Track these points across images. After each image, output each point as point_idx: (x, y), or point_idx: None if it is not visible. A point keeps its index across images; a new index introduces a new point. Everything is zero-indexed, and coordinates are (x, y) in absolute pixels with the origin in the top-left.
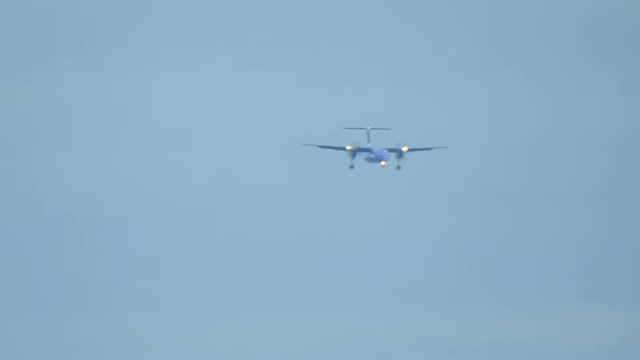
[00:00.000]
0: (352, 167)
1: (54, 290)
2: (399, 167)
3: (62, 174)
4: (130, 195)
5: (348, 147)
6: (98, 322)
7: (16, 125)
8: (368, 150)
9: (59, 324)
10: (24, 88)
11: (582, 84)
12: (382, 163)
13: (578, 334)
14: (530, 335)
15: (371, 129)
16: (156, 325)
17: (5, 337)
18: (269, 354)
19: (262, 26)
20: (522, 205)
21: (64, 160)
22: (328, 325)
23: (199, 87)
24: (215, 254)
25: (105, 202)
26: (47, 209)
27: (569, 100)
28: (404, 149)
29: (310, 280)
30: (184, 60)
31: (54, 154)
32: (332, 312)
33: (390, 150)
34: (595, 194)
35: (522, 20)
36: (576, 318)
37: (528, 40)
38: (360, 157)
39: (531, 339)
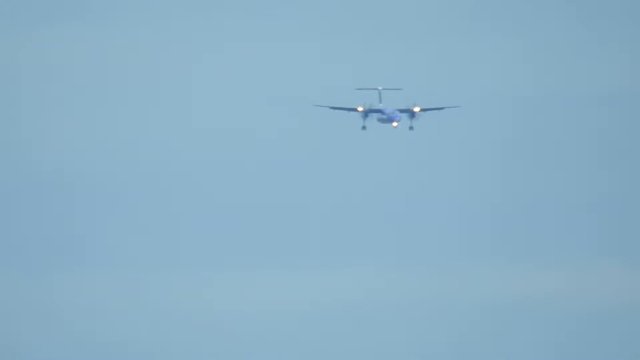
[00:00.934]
0: (364, 128)
1: (46, 247)
2: (411, 127)
3: (61, 131)
4: (137, 151)
5: (360, 108)
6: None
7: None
8: (380, 111)
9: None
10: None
11: (597, 39)
12: (394, 124)
13: (593, 291)
14: (547, 292)
15: (382, 89)
16: (156, 285)
17: None
18: (276, 313)
19: None
20: (536, 163)
21: (62, 117)
22: (341, 286)
23: (204, 51)
24: (224, 214)
25: (103, 161)
26: (40, 166)
27: (585, 58)
28: (416, 109)
29: (324, 241)
30: (189, 24)
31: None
32: (345, 273)
33: (403, 111)
34: (609, 151)
35: None
36: (592, 274)
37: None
38: (373, 118)
39: (547, 297)
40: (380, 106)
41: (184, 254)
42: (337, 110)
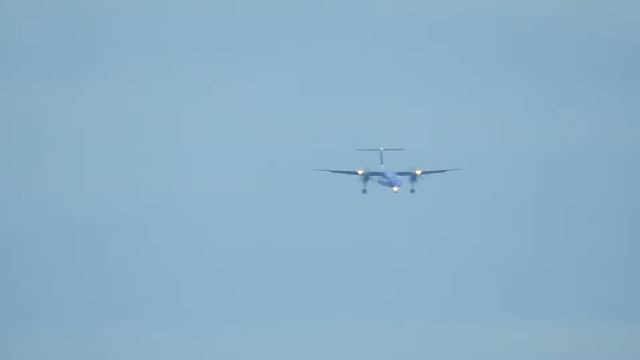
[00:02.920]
0: (365, 191)
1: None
2: (412, 190)
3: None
4: (131, 213)
5: (360, 172)
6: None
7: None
8: (381, 174)
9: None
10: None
11: (598, 100)
12: (395, 189)
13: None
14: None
15: (384, 149)
16: (167, 338)
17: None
18: None
19: (270, 48)
20: (541, 226)
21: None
22: (341, 345)
23: (205, 110)
24: (226, 283)
25: (110, 216)
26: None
27: (587, 117)
28: (418, 172)
29: (326, 305)
30: (192, 83)
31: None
32: (346, 336)
33: (404, 173)
34: (615, 209)
35: (535, 37)
36: (599, 332)
37: (542, 56)
38: (373, 181)
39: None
40: (381, 168)
41: (180, 312)
42: (337, 174)
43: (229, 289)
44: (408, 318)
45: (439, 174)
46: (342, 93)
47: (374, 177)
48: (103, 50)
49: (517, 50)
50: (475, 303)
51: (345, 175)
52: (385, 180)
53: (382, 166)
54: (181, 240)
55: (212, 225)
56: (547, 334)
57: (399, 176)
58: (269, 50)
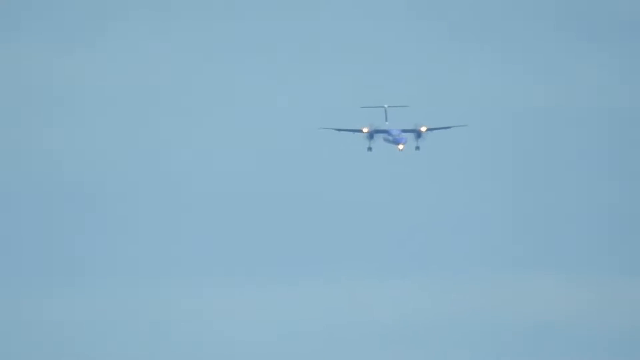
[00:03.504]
0: (370, 149)
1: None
2: (417, 148)
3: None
4: (137, 175)
5: (365, 130)
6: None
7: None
8: (386, 131)
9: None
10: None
11: (605, 55)
12: (400, 147)
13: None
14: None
15: (389, 106)
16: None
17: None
18: (282, 326)
19: (272, 6)
20: (545, 178)
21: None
22: (353, 301)
23: (211, 69)
24: (233, 241)
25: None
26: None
27: (588, 73)
28: (423, 129)
29: (333, 262)
30: (195, 42)
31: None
32: (351, 293)
33: (409, 131)
34: (620, 164)
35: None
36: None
37: (550, 9)
38: (378, 139)
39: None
40: (386, 125)
41: (185, 265)
42: (342, 132)
43: (235, 247)
44: (414, 274)
45: (444, 130)
46: (345, 50)
47: (379, 135)
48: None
49: (523, 3)
50: (480, 258)
51: (351, 133)
52: (390, 137)
53: (386, 123)
54: (187, 199)
55: (217, 185)
56: (549, 286)
57: (404, 134)
58: (272, 9)
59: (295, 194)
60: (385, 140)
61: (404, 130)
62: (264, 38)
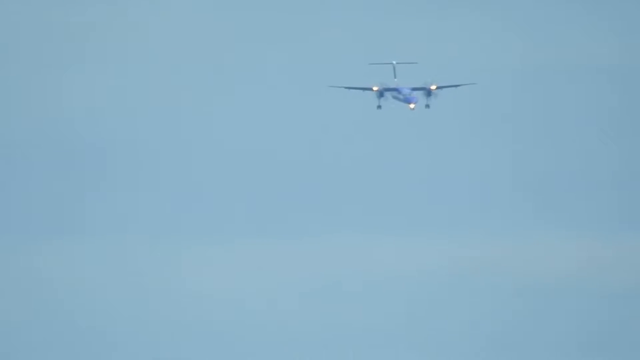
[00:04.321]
0: (379, 107)
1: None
2: (427, 106)
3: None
4: (147, 128)
5: (375, 88)
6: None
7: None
8: (396, 89)
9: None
10: None
11: (619, 13)
12: (411, 106)
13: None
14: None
15: (397, 63)
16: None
17: None
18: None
19: None
20: (555, 140)
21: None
22: (361, 258)
23: (222, 34)
24: (240, 195)
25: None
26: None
27: (601, 33)
28: (433, 87)
29: (342, 220)
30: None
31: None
32: (358, 253)
33: (418, 89)
34: (630, 125)
35: None
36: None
37: None
38: (388, 97)
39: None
40: (394, 82)
41: (188, 226)
42: (352, 90)
43: (243, 206)
44: (421, 232)
45: (453, 88)
46: (353, 7)
47: (389, 93)
48: None
49: None
50: (487, 217)
51: (360, 91)
52: (400, 96)
53: (395, 80)
54: (195, 159)
55: (227, 144)
56: (554, 246)
57: (414, 92)
58: None
59: (303, 152)
60: (395, 98)
61: (414, 89)
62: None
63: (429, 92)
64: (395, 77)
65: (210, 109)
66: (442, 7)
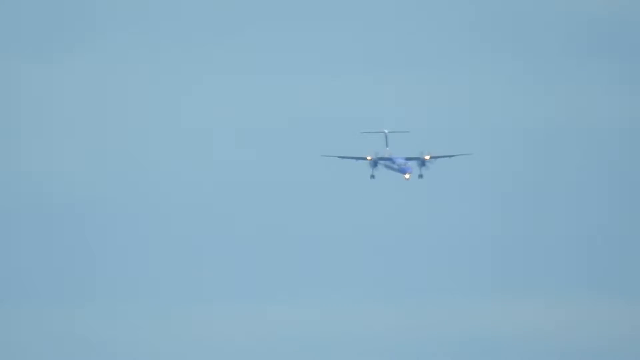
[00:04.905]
0: (373, 176)
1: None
2: (421, 176)
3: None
4: (135, 191)
5: (369, 157)
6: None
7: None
8: (390, 159)
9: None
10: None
11: (615, 78)
12: (407, 176)
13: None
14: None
15: (389, 132)
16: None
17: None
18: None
19: (266, 30)
20: (551, 210)
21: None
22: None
23: (210, 96)
24: (233, 269)
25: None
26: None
27: (597, 100)
28: (427, 157)
29: (335, 291)
30: (193, 69)
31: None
32: (352, 323)
33: (412, 158)
34: (627, 184)
35: (540, 14)
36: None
37: (554, 41)
38: (382, 166)
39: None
40: (387, 152)
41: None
42: (345, 159)
43: (236, 275)
44: (418, 302)
45: (447, 158)
46: (346, 73)
47: (383, 163)
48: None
49: (526, 29)
50: (482, 285)
51: (354, 160)
52: (395, 166)
53: (387, 149)
54: (186, 225)
55: (219, 212)
56: (554, 317)
57: (408, 162)
58: (266, 32)
59: (296, 222)
60: (389, 168)
61: (408, 158)
62: (260, 62)
63: (423, 162)
64: (387, 146)
65: (199, 175)
66: (436, 76)
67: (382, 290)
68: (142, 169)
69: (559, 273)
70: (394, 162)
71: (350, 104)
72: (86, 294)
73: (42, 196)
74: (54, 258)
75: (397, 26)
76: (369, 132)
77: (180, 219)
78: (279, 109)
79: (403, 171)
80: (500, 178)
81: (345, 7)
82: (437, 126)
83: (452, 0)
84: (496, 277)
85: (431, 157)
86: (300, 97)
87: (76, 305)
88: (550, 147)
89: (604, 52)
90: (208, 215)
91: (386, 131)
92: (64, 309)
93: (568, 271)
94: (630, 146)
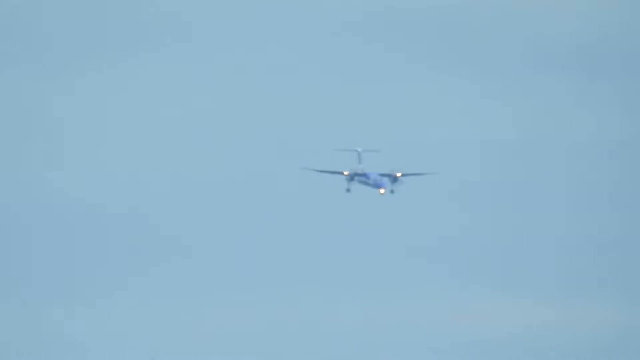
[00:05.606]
0: (348, 190)
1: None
2: (392, 191)
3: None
4: (118, 206)
5: (346, 173)
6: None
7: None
8: (365, 175)
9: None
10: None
11: (575, 102)
12: (381, 191)
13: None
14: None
15: (362, 150)
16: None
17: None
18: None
19: (246, 46)
20: (522, 226)
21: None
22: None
23: (190, 110)
24: (213, 281)
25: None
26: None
27: (563, 119)
28: (398, 174)
29: (313, 303)
30: (174, 81)
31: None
32: (327, 339)
33: (385, 175)
34: (608, 205)
35: (515, 45)
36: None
37: (524, 63)
38: (357, 181)
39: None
40: (360, 168)
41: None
42: (323, 174)
43: (217, 288)
44: (393, 317)
45: (417, 176)
46: (320, 92)
47: (359, 178)
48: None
49: (495, 47)
50: (453, 299)
51: (330, 175)
52: (370, 181)
53: (360, 166)
54: (169, 240)
55: (198, 225)
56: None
57: (382, 178)
58: (244, 48)
59: (275, 231)
60: (364, 183)
61: (381, 174)
62: (238, 75)
63: (394, 179)
64: (360, 163)
65: (176, 188)
66: (404, 94)
67: (354, 298)
68: (130, 173)
69: (530, 284)
70: (368, 178)
71: (323, 123)
72: (86, 294)
73: (32, 199)
74: (47, 259)
75: (369, 46)
76: (342, 150)
77: (154, 232)
78: (253, 123)
79: (378, 186)
80: (469, 194)
81: (313, 28)
82: (408, 145)
83: (423, 19)
84: (464, 286)
85: (402, 175)
86: (275, 114)
87: (76, 305)
88: (521, 164)
89: (574, 68)
90: (186, 226)
91: (359, 149)
92: (63, 308)
93: (540, 283)
94: (599, 162)
